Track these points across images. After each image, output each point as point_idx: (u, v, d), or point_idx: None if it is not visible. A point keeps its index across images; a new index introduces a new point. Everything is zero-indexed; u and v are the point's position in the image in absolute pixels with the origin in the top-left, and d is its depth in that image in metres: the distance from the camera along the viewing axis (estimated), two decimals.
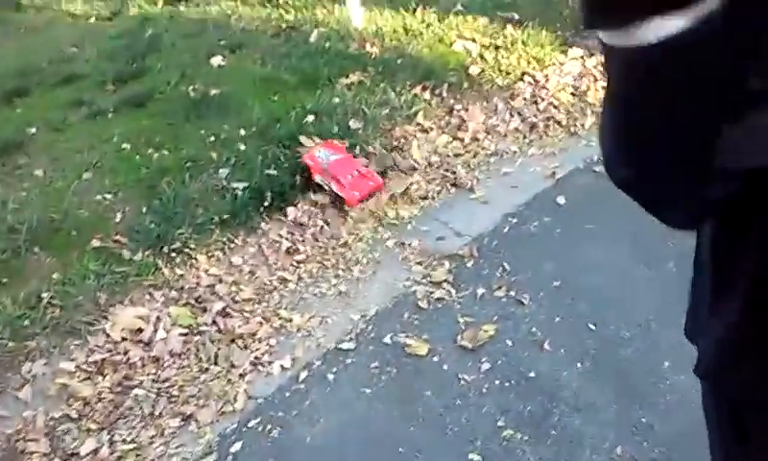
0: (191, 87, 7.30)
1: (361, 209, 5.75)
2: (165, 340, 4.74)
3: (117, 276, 5.15)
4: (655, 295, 4.33)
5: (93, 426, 4.23)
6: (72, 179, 6.03)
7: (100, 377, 4.56)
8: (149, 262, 5.24)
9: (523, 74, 7.56)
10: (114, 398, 4.42)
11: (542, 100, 7.20)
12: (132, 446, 4.07)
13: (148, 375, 4.54)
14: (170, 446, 4.04)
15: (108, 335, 4.79)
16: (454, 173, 6.18)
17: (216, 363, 4.57)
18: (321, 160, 5.71)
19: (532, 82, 7.47)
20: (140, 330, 4.83)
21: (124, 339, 4.78)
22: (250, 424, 4.03)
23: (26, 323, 4.80)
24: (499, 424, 3.69)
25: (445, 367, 4.11)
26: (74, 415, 4.32)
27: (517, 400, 3.80)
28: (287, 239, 5.59)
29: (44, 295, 4.98)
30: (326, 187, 5.68)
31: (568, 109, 7.05)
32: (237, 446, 3.93)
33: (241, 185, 5.83)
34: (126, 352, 4.71)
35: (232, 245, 5.51)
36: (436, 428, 3.72)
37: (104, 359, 4.66)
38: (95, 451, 4.05)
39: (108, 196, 5.82)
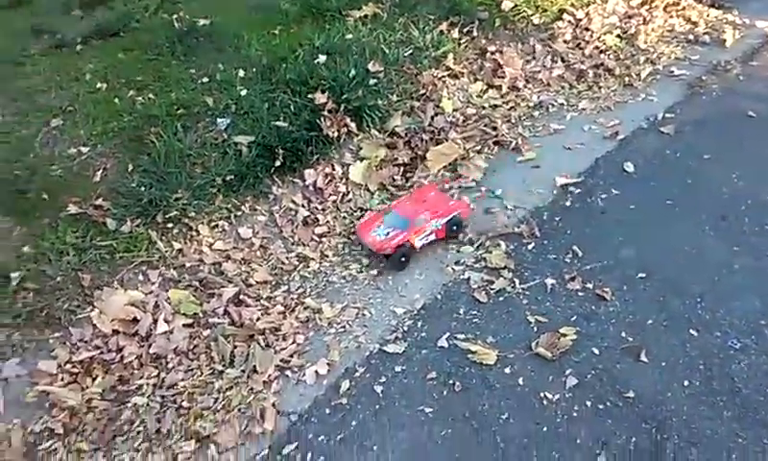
0: (174, 16, 6.44)
1: (391, 177, 5.10)
2: (168, 335, 4.09)
3: (102, 251, 4.44)
4: (764, 291, 3.83)
5: (85, 447, 3.60)
6: (38, 126, 5.21)
7: (89, 380, 3.91)
8: (140, 234, 4.53)
9: (561, 12, 6.87)
10: (108, 407, 3.79)
11: (587, 43, 6.55)
12: None
13: (148, 378, 3.91)
14: None
15: (95, 327, 4.11)
16: (495, 128, 5.54)
17: (232, 365, 3.95)
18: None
19: (572, 21, 6.79)
20: (135, 321, 4.16)
21: (115, 332, 4.11)
22: (285, 452, 3.45)
23: None
24: (600, 459, 3.17)
25: (521, 381, 3.57)
26: (59, 430, 3.69)
27: (618, 428, 3.29)
28: (304, 207, 4.92)
29: (13, 275, 4.24)
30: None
31: (618, 54, 6.42)
32: None
33: (246, 140, 5.10)
34: (119, 349, 4.05)
35: (239, 213, 4.82)
36: None
37: (92, 358, 3.99)
38: None
39: (84, 149, 5.03)
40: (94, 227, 4.54)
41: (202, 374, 3.92)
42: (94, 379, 3.91)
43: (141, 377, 3.92)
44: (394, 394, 3.61)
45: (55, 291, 4.23)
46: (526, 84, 6.07)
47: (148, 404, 3.78)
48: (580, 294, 3.99)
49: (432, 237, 4.46)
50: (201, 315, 4.22)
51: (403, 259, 4.36)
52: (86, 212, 4.61)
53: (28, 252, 4.38)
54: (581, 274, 4.12)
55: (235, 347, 4.02)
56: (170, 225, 4.62)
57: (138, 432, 3.65)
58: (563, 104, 5.83)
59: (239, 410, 3.68)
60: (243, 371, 3.90)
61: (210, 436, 3.56)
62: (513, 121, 5.66)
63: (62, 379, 3.90)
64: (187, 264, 4.47)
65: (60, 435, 3.66)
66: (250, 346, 4.01)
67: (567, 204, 4.69)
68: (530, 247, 4.40)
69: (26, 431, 3.67)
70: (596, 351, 3.66)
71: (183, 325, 4.16)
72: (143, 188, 4.73)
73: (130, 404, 3.78)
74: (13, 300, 4.15)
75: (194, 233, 4.63)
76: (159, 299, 4.27)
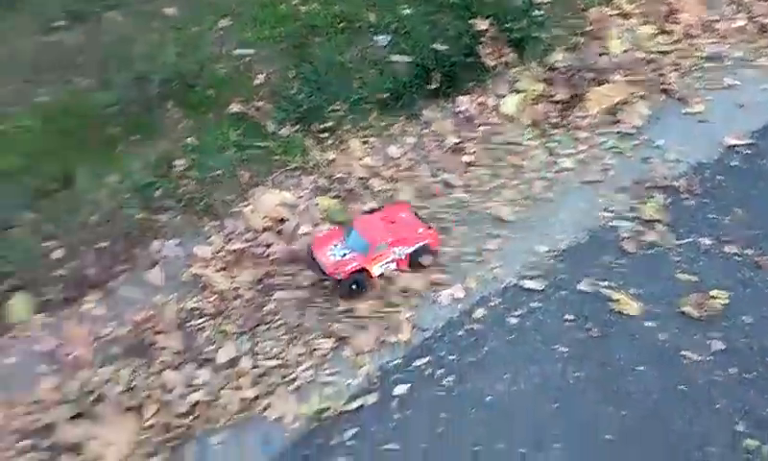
0: None
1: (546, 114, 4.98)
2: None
3: (259, 151, 4.65)
4: None
5: (231, 329, 3.86)
6: (208, 25, 5.45)
7: (238, 270, 4.15)
8: (296, 139, 4.70)
9: None
10: (255, 297, 4.01)
11: None
12: (276, 362, 3.68)
13: (292, 276, 4.10)
14: (321, 370, 3.62)
15: (248, 221, 4.35)
16: (662, 76, 5.26)
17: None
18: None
19: None
20: (282, 221, 4.37)
21: (266, 229, 4.33)
22: (417, 364, 3.56)
23: (157, 192, 4.41)
24: (738, 428, 3.07)
25: (663, 337, 3.48)
26: (209, 310, 3.96)
27: (762, 400, 3.15)
28: (453, 134, 4.92)
29: (178, 163, 4.55)
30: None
31: None
32: (403, 388, 3.47)
33: (403, 60, 5.13)
34: (268, 245, 4.26)
35: (390, 132, 4.89)
36: (652, 422, 3.13)
37: (243, 249, 4.24)
38: (233, 361, 3.69)
39: (250, 51, 5.22)
40: (254, 127, 4.75)
41: None
42: (244, 270, 4.15)
43: (285, 275, 4.11)
44: (528, 328, 3.62)
45: (214, 183, 4.50)
46: (702, 32, 5.68)
47: (291, 300, 3.98)
48: (737, 258, 3.81)
49: (393, 266, 4.05)
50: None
51: (355, 287, 3.93)
52: (248, 113, 4.83)
53: (192, 143, 4.66)
54: (741, 238, 3.92)
55: None
56: (325, 135, 4.76)
57: (281, 324, 3.85)
58: (740, 58, 5.44)
59: (378, 318, 3.80)
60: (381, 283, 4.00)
61: (348, 338, 3.71)
62: (682, 70, 5.35)
63: (215, 265, 4.17)
64: (337, 175, 4.61)
65: (210, 315, 3.94)
66: None
67: (734, 163, 4.44)
68: (688, 203, 4.22)
69: (180, 307, 3.97)
70: (748, 320, 3.51)
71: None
72: (302, 96, 4.88)
73: (274, 297, 3.98)
74: (177, 186, 4.45)
75: (346, 146, 4.75)
76: (309, 203, 4.45)
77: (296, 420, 3.43)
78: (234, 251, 4.24)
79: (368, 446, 3.27)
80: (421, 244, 4.01)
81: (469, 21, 5.28)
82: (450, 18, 5.42)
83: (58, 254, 4.14)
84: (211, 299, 4.02)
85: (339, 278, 3.82)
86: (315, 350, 3.72)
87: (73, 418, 3.46)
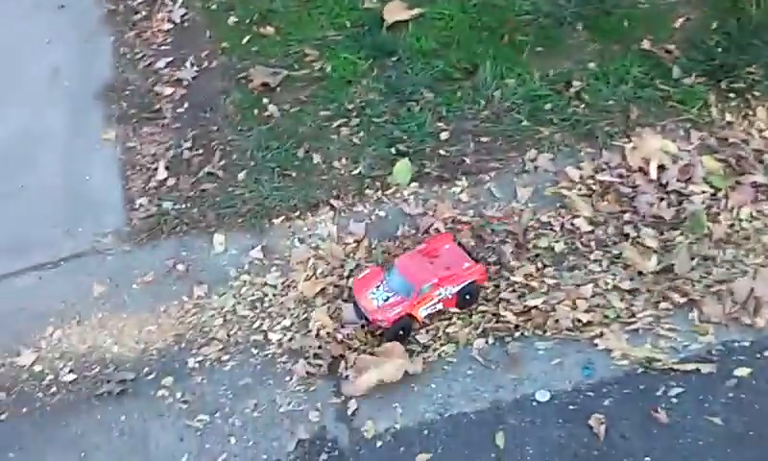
0: None
1: None
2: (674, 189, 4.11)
3: (656, 93, 4.56)
4: None
5: (575, 255, 3.94)
6: None
7: (600, 201, 4.20)
8: (698, 92, 4.51)
9: None
10: (608, 233, 4.03)
11: None
12: (617, 297, 3.72)
13: (653, 225, 4.02)
14: (662, 323, 3.58)
15: (624, 158, 4.33)
16: None
17: None
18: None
19: None
20: (661, 168, 4.26)
21: (640, 169, 4.28)
22: (766, 354, 3.33)
23: (547, 106, 4.58)
24: None
25: None
26: (558, 228, 4.06)
27: None
28: None
29: (575, 83, 4.66)
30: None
31: None
32: (745, 371, 3.30)
33: None
34: (635, 187, 4.22)
35: None
36: None
37: (611, 183, 4.26)
38: (571, 282, 3.79)
39: None
40: (658, 68, 4.66)
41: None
42: (606, 202, 4.18)
43: (645, 222, 4.04)
44: None
45: (602, 112, 4.54)
46: None
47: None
48: None
49: (440, 307, 3.67)
50: (725, 191, 4.11)
51: (402, 333, 3.61)
52: (656, 53, 4.74)
53: (593, 68, 4.73)
54: None
55: None
56: (731, 95, 4.49)
57: (626, 266, 3.83)
58: None
59: (730, 292, 3.61)
60: None
61: (698, 301, 3.60)
62: None
63: (579, 189, 4.26)
64: (731, 139, 4.34)
65: (558, 233, 4.05)
66: None
67: None
68: None
69: (533, 217, 4.12)
70: None
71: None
72: (719, 50, 4.64)
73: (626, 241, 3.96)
74: (567, 105, 4.59)
75: (751, 113, 4.44)
76: (692, 159, 4.28)
77: (624, 358, 3.45)
78: (602, 182, 4.27)
79: (692, 410, 3.19)
80: (469, 281, 3.69)
81: None
82: None
83: (444, 135, 4.56)
84: (566, 218, 4.13)
85: (383, 325, 3.60)
86: (661, 301, 3.67)
87: None
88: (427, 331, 3.69)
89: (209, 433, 3.44)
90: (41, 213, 4.47)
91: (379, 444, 3.32)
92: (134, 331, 3.88)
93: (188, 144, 4.71)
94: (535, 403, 3.36)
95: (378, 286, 3.68)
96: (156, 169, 4.61)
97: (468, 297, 3.71)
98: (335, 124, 4.68)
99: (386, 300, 3.61)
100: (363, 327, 3.70)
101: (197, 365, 3.71)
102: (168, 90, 5.06)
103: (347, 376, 3.53)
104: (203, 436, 3.44)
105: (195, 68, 5.16)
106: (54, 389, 3.71)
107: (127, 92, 5.10)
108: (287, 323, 3.83)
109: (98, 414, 3.58)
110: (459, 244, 3.87)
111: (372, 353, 3.59)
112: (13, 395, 3.70)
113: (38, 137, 4.88)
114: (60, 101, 5.10)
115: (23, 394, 3.70)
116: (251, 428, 3.44)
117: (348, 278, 3.94)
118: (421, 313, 3.65)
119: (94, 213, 4.44)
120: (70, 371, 3.76)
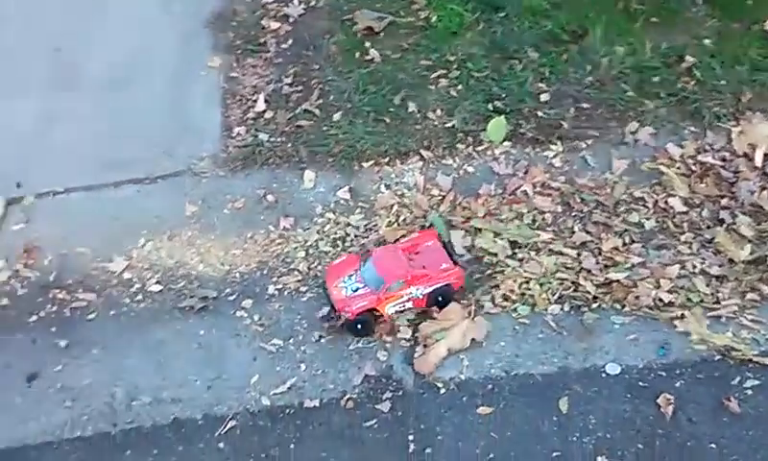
0: None
1: None
2: None
3: None
4: None
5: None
6: None
7: (698, 183, 4.06)
8: None
9: None
10: (704, 215, 3.91)
11: None
12: (703, 282, 3.62)
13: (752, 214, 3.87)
14: (746, 313, 3.48)
15: (729, 141, 4.17)
16: None
17: None
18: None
19: None
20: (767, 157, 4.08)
21: (744, 155, 4.11)
22: None
23: (655, 78, 4.43)
24: None
25: None
26: (650, 204, 3.97)
27: None
28: None
29: (687, 58, 4.48)
30: None
31: None
32: None
33: None
34: (737, 172, 4.06)
35: None
36: None
37: (711, 166, 4.11)
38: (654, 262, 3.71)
39: None
40: None
41: None
42: (704, 185, 4.04)
43: (743, 211, 3.90)
44: None
45: (712, 91, 4.37)
46: None
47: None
48: None
49: (409, 305, 3.54)
50: None
51: (360, 327, 3.51)
52: None
53: (708, 45, 4.55)
54: None
55: None
56: None
57: (717, 252, 3.72)
58: None
59: None
60: None
61: None
62: None
63: (678, 168, 4.14)
64: None
65: (649, 209, 3.96)
66: None
67: None
68: None
69: (627, 192, 4.04)
70: None
71: None
72: None
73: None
74: (677, 80, 4.43)
75: None
76: None
77: (702, 342, 3.38)
78: (703, 163, 4.13)
79: (767, 403, 3.12)
80: (443, 284, 3.55)
81: None
82: None
83: (545, 96, 4.49)
84: (660, 196, 4.02)
85: (345, 317, 3.51)
86: (749, 291, 3.56)
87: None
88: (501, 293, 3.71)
89: (281, 357, 3.57)
90: (144, 132, 4.66)
91: (443, 391, 3.36)
92: (220, 253, 4.04)
93: (288, 80, 4.81)
94: (604, 375, 3.34)
95: (351, 275, 3.65)
96: (255, 101, 4.74)
97: (440, 299, 3.61)
98: (434, 74, 4.68)
99: (355, 290, 3.59)
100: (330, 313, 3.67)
101: (276, 292, 3.84)
102: (274, 25, 5.16)
103: (415, 350, 3.53)
104: (275, 359, 3.57)
105: (302, 6, 5.23)
106: (140, 297, 3.92)
107: (234, 23, 5.22)
108: None
109: (179, 325, 3.76)
110: (443, 243, 3.76)
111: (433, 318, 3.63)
112: (102, 298, 3.93)
113: (148, 61, 5.07)
114: (171, 27, 5.27)
115: (111, 298, 3.92)
116: (321, 358, 3.55)
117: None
118: (388, 310, 3.60)
119: (193, 137, 4.61)
120: (157, 282, 3.97)
